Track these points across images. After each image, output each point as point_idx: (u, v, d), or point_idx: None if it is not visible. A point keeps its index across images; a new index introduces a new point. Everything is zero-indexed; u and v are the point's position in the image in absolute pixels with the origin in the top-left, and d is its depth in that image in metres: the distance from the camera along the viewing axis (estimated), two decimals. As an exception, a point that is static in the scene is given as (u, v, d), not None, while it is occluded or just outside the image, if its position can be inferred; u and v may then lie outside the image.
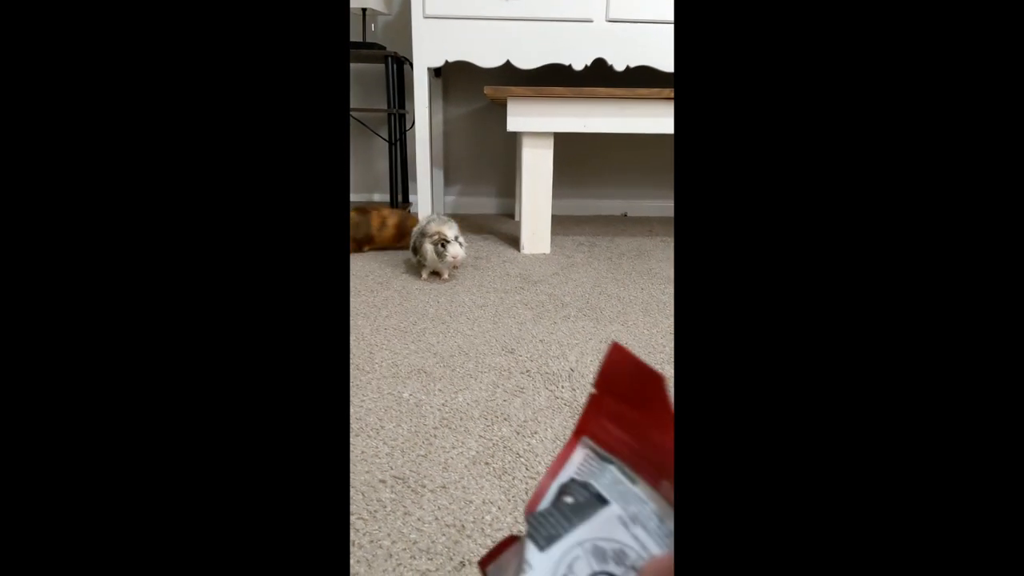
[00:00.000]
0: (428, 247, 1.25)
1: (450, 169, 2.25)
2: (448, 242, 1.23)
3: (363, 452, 0.63)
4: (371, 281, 1.29)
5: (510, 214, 2.25)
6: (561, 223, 2.05)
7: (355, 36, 2.03)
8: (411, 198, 2.24)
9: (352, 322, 1.03)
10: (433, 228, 1.25)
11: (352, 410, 0.72)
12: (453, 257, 1.23)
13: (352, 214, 1.52)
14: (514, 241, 1.72)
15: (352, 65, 2.10)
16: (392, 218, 1.56)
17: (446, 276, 1.32)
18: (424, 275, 1.32)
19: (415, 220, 1.58)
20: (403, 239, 1.58)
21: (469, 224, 2.00)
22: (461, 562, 0.48)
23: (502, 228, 1.95)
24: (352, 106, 2.12)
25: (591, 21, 1.63)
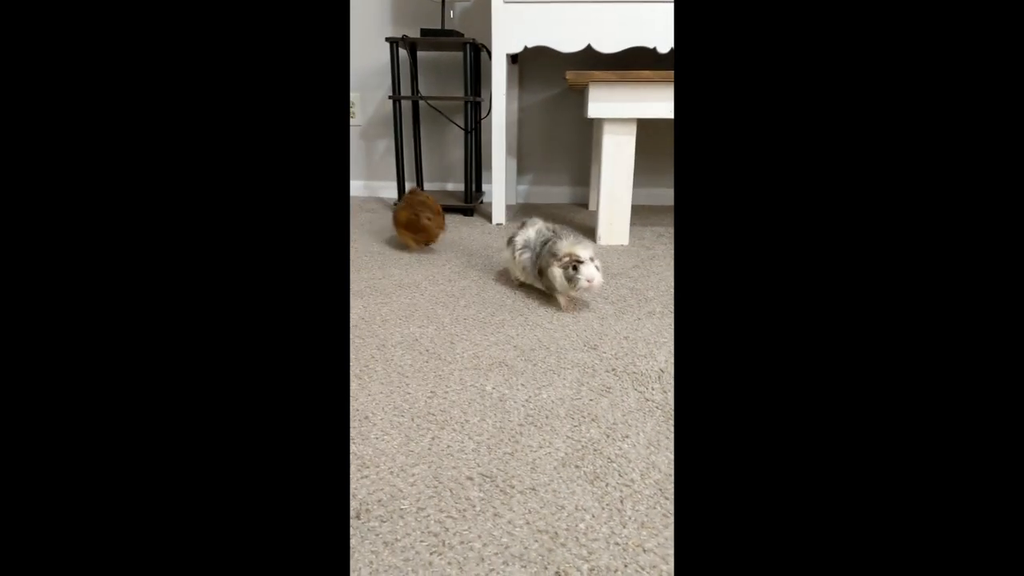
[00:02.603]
0: (556, 271, 1.00)
1: (523, 157, 2.22)
2: (581, 263, 0.97)
3: (449, 446, 0.62)
4: (447, 270, 1.29)
5: (584, 204, 2.19)
6: (638, 212, 1.98)
7: (434, 23, 2.03)
8: (483, 187, 2.23)
9: (432, 311, 1.03)
10: (564, 248, 1.00)
11: (436, 401, 0.71)
12: (588, 281, 0.96)
13: (404, 214, 1.40)
14: (590, 232, 1.67)
15: (431, 53, 2.11)
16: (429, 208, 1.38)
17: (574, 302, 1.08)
18: (562, 303, 1.05)
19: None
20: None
21: (542, 214, 1.96)
22: (556, 572, 0.45)
23: (576, 218, 1.90)
24: (429, 94, 2.13)
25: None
